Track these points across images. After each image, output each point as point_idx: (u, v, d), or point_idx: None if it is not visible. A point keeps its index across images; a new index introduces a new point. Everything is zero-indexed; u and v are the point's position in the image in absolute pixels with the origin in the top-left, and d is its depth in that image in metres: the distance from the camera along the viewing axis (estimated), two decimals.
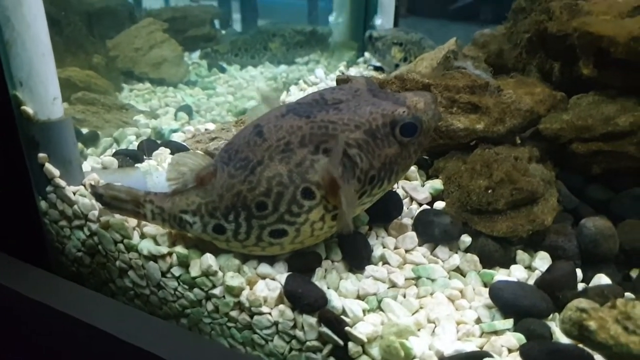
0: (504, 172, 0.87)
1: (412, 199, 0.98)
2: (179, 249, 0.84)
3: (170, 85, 1.82)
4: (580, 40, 0.94)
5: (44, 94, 0.87)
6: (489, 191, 0.87)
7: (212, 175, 0.81)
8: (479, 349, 0.70)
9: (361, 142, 0.77)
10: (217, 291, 0.81)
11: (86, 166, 1.03)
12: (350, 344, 0.72)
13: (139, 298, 0.92)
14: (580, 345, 0.67)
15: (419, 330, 0.74)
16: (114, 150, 1.17)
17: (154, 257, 0.86)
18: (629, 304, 0.60)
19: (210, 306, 0.84)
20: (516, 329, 0.74)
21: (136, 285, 0.91)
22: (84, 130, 1.28)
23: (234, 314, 0.81)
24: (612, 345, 0.58)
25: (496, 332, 0.74)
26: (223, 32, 2.39)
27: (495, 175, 0.87)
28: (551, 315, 0.77)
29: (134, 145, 1.23)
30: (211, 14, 2.32)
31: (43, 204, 0.96)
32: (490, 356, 0.67)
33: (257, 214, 0.78)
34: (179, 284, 0.85)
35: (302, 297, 0.75)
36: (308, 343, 0.76)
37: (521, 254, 0.87)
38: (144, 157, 1.11)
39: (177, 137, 1.26)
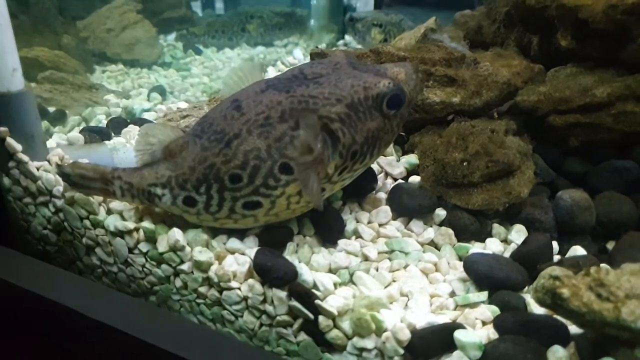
0: (479, 145, 0.86)
1: (387, 174, 0.96)
2: (146, 224, 0.81)
3: (144, 67, 1.79)
4: (558, 11, 0.92)
5: (2, 65, 0.83)
6: (464, 164, 0.85)
7: (183, 148, 0.78)
8: (452, 322, 0.68)
9: (343, 116, 0.74)
10: (185, 267, 0.79)
11: (51, 143, 1.00)
12: (321, 318, 0.70)
13: (106, 276, 0.90)
14: (555, 316, 0.66)
15: (391, 303, 0.73)
16: (81, 128, 1.13)
17: (120, 233, 0.83)
18: (602, 271, 0.59)
19: (178, 282, 0.81)
20: (491, 301, 0.73)
21: (104, 262, 0.88)
22: (51, 110, 1.24)
23: (202, 289, 0.79)
24: (585, 313, 0.57)
25: (470, 305, 0.73)
26: (200, 14, 2.34)
27: (470, 147, 0.86)
28: (526, 288, 0.76)
29: (103, 124, 1.19)
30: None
31: (6, 181, 0.92)
32: (463, 327, 0.65)
33: (230, 186, 0.75)
34: (146, 260, 0.83)
35: (271, 270, 0.73)
36: (278, 318, 0.74)
37: (497, 228, 0.86)
38: (113, 134, 1.07)
39: (148, 116, 1.23)
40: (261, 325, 0.76)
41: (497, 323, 0.67)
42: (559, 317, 0.66)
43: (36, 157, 0.90)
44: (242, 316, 0.77)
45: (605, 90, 0.87)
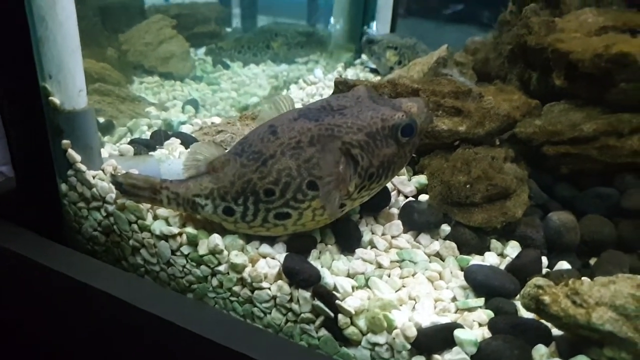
0: (481, 170, 0.98)
1: (399, 192, 1.08)
2: (189, 229, 0.94)
3: (177, 79, 1.91)
4: (553, 54, 1.04)
5: (72, 86, 0.96)
6: (467, 186, 0.97)
7: (224, 164, 0.91)
8: (452, 322, 0.80)
9: (363, 143, 0.87)
10: (222, 268, 0.91)
11: (104, 153, 1.12)
12: (340, 316, 0.82)
13: (149, 274, 1.02)
14: (539, 320, 0.78)
15: (401, 305, 0.85)
16: (129, 139, 1.26)
17: (165, 237, 0.95)
18: (577, 282, 0.71)
19: (215, 282, 0.93)
20: (487, 306, 0.84)
21: (147, 262, 1.00)
22: (101, 120, 1.37)
23: (236, 289, 0.91)
24: (562, 317, 0.69)
25: (469, 309, 0.85)
26: (229, 29, 2.47)
27: (473, 172, 0.98)
28: (518, 296, 0.87)
29: (146, 135, 1.32)
30: (216, 12, 2.40)
31: (63, 187, 1.05)
32: (462, 327, 0.77)
33: (264, 199, 0.88)
34: (187, 261, 0.95)
35: (298, 273, 0.85)
36: (302, 315, 0.86)
37: (495, 243, 0.98)
38: (157, 146, 1.20)
39: (185, 129, 1.36)
40: (287, 321, 0.88)
41: (491, 324, 0.79)
42: (542, 321, 0.78)
43: (92, 166, 1.02)
44: (270, 313, 0.89)
45: (591, 126, 0.99)
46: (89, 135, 1.01)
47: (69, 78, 0.95)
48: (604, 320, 0.67)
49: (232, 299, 0.93)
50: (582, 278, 0.86)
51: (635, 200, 0.96)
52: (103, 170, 1.03)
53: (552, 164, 1.05)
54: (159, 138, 1.21)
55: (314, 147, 0.87)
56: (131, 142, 1.20)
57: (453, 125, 1.09)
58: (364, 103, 0.92)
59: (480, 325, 0.81)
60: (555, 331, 0.77)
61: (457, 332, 0.75)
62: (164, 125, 1.44)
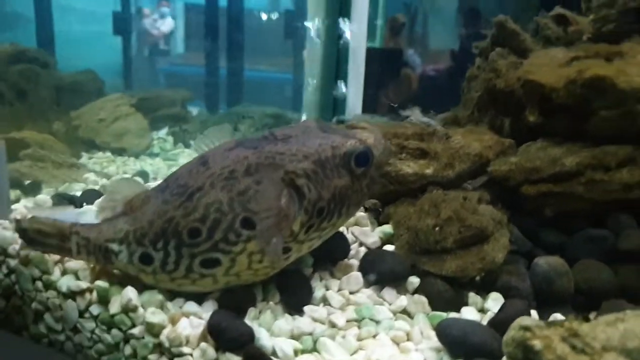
0: (452, 210, 0.84)
1: (361, 244, 0.93)
2: (100, 282, 0.77)
3: (132, 155, 1.85)
4: (524, 88, 0.96)
5: None
6: (437, 229, 0.83)
7: (144, 202, 0.76)
8: None
9: (309, 172, 0.74)
10: (136, 331, 0.73)
11: (18, 206, 0.98)
12: None
13: (52, 346, 0.83)
14: None
15: None
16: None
17: (72, 295, 0.78)
18: (575, 322, 0.54)
19: (128, 350, 0.74)
20: None
21: (51, 330, 0.82)
22: (27, 182, 1.24)
23: (152, 358, 0.72)
24: None
25: None
26: (194, 112, 2.45)
27: (443, 213, 0.84)
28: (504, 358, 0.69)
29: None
30: (182, 96, 2.41)
31: None
32: None
33: (188, 242, 0.73)
34: (96, 324, 0.77)
35: (226, 331, 0.67)
36: None
37: (473, 297, 0.81)
38: (85, 203, 1.06)
39: None
40: None
41: None
42: None
43: None
44: None
45: (574, 160, 0.87)
46: None
47: None
48: None
49: None
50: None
51: (635, 241, 0.81)
52: (9, 221, 0.88)
53: (534, 206, 0.91)
54: (90, 197, 1.07)
55: (250, 178, 0.73)
56: (53, 196, 1.05)
57: (419, 169, 0.97)
58: (313, 133, 0.81)
59: None
60: None
61: None
62: (102, 190, 1.31)
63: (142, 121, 2.00)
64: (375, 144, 0.81)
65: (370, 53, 2.04)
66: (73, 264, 0.81)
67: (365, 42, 1.79)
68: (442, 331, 0.70)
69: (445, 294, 0.79)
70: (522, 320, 0.55)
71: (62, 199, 1.02)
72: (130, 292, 0.74)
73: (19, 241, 0.83)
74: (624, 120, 0.84)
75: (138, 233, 0.75)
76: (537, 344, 0.53)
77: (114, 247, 0.76)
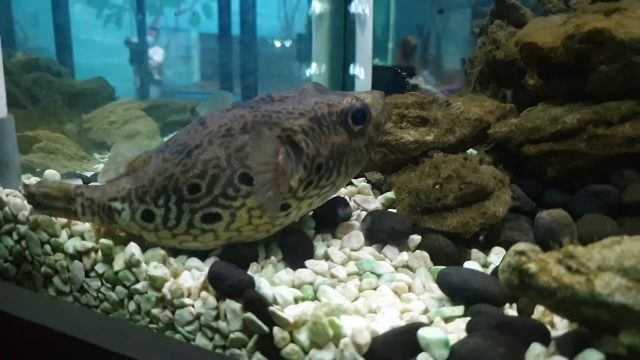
0: (452, 170, 0.84)
1: (363, 211, 0.93)
2: (105, 240, 0.78)
3: None
4: (522, 51, 0.96)
5: None
6: (437, 187, 0.83)
7: (145, 163, 0.78)
8: (414, 322, 0.61)
9: (306, 129, 0.75)
10: (139, 286, 0.74)
11: (25, 179, 1.00)
12: (276, 330, 0.63)
13: None
14: (535, 319, 0.59)
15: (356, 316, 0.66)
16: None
17: (79, 255, 0.80)
18: (571, 245, 0.54)
19: (132, 306, 0.75)
20: (467, 314, 0.66)
21: (60, 292, 0.83)
22: (38, 170, 1.28)
23: (155, 311, 0.73)
24: (555, 289, 0.51)
25: (445, 319, 0.66)
26: None
27: (443, 172, 0.84)
28: (507, 305, 0.69)
29: None
30: (192, 104, 2.46)
31: None
32: (426, 325, 0.58)
33: (188, 197, 0.74)
34: (102, 283, 0.78)
35: (225, 278, 0.67)
36: (232, 335, 0.67)
37: (476, 253, 0.81)
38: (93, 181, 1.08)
39: None
40: (214, 347, 0.69)
41: (470, 327, 0.60)
42: (537, 319, 0.59)
43: (8, 184, 0.90)
44: (194, 340, 0.70)
45: (574, 117, 0.87)
46: (6, 149, 0.90)
47: None
48: (612, 288, 0.49)
49: (152, 325, 0.74)
50: None
51: (639, 194, 0.80)
52: (20, 191, 0.90)
53: (537, 166, 0.91)
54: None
55: (247, 135, 0.74)
56: (63, 174, 1.07)
57: (420, 136, 0.98)
58: (310, 93, 0.82)
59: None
60: (555, 333, 0.58)
61: (422, 332, 0.56)
62: None
63: (152, 124, 2.04)
64: (374, 103, 0.81)
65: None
66: (79, 226, 0.83)
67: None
68: (443, 279, 0.69)
69: (447, 249, 0.79)
70: (518, 246, 0.54)
71: (71, 175, 1.04)
72: (133, 247, 0.75)
73: (28, 207, 0.85)
74: (624, 73, 0.84)
75: (139, 191, 0.76)
76: (532, 267, 0.52)
77: (117, 205, 0.77)
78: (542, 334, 0.57)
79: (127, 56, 3.96)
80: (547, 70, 0.94)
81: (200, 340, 0.70)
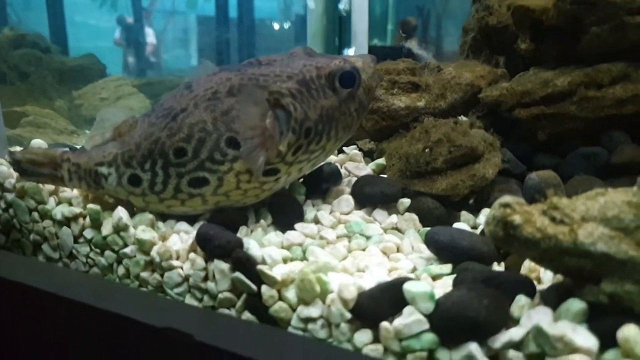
0: (442, 133, 0.84)
1: (354, 177, 0.93)
2: (92, 205, 0.78)
3: None
4: (515, 15, 0.95)
5: None
6: (427, 150, 0.82)
7: (132, 128, 0.77)
8: (400, 277, 0.61)
9: (294, 92, 0.74)
10: (128, 250, 0.74)
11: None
12: (264, 289, 0.63)
13: None
14: (523, 275, 0.59)
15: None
16: None
17: (67, 221, 0.79)
18: (555, 197, 0.54)
19: (121, 270, 0.75)
20: (454, 272, 0.66)
21: (49, 259, 0.83)
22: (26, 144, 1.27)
23: (145, 275, 0.73)
24: (539, 240, 0.51)
25: (433, 277, 0.66)
26: None
27: (433, 136, 0.84)
28: (495, 264, 0.69)
29: None
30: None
31: None
32: (412, 279, 0.58)
33: (175, 161, 0.73)
34: (91, 248, 0.78)
35: (213, 239, 0.68)
36: (220, 296, 0.67)
37: (466, 215, 0.81)
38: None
39: None
40: (204, 308, 0.69)
41: (456, 282, 0.60)
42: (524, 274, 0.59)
43: None
44: (183, 301, 0.71)
45: (565, 80, 0.86)
46: None
47: None
48: (594, 237, 0.49)
49: (142, 289, 0.74)
50: None
51: (628, 154, 0.80)
52: (4, 159, 0.90)
53: (527, 130, 0.90)
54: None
55: (233, 98, 0.73)
56: (50, 144, 1.07)
57: (411, 102, 0.97)
58: (298, 56, 0.81)
59: None
60: (540, 287, 0.58)
61: (408, 286, 0.56)
62: None
63: (145, 100, 2.02)
64: (364, 67, 0.80)
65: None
66: (67, 193, 0.83)
67: None
68: (431, 238, 0.70)
69: (436, 211, 0.79)
70: (503, 199, 0.54)
71: (59, 146, 1.04)
72: (121, 211, 0.75)
73: (15, 175, 0.85)
74: (615, 34, 0.83)
75: (126, 155, 0.76)
76: (516, 218, 0.52)
77: (103, 170, 0.77)
78: (527, 288, 0.57)
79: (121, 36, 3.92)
80: (539, 34, 0.93)
81: (190, 302, 0.70)
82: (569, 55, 0.91)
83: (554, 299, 0.54)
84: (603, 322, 0.48)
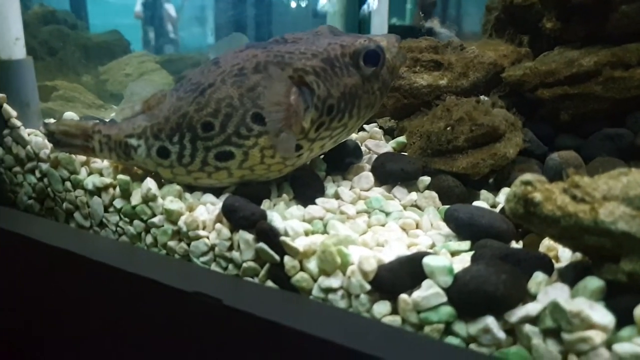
0: (464, 112, 0.84)
1: (374, 154, 0.94)
2: (122, 176, 0.81)
3: None
4: None
5: (6, 33, 0.89)
6: (448, 129, 0.83)
7: (160, 101, 0.80)
8: (420, 251, 0.63)
9: (318, 70, 0.75)
10: (156, 219, 0.77)
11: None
12: (287, 259, 0.66)
13: None
14: (541, 252, 0.61)
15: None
16: None
17: (98, 191, 0.82)
18: (577, 176, 0.54)
19: (149, 239, 0.78)
20: (473, 249, 0.67)
21: (81, 227, 0.87)
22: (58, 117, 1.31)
23: (172, 244, 0.76)
24: (559, 217, 0.52)
25: (452, 253, 0.67)
26: None
27: (454, 115, 0.84)
28: (513, 242, 0.70)
29: None
30: (206, 58, 2.45)
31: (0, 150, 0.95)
32: (431, 254, 0.60)
33: (202, 135, 0.75)
34: (120, 217, 0.81)
35: (238, 210, 0.70)
36: (245, 265, 0.69)
37: (485, 194, 0.82)
38: None
39: None
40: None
41: (475, 258, 0.61)
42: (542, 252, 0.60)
43: (29, 124, 0.93)
44: (209, 269, 0.73)
45: (591, 59, 0.85)
46: (27, 89, 0.92)
47: (4, 24, 0.88)
48: (615, 216, 0.50)
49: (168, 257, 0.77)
50: None
51: None
52: (40, 130, 0.93)
53: (550, 110, 0.90)
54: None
55: (259, 74, 0.75)
56: (82, 117, 1.10)
57: (433, 80, 0.97)
58: (324, 35, 0.82)
59: None
60: (558, 265, 0.59)
61: (427, 260, 0.58)
62: None
63: (167, 76, 2.04)
64: (389, 46, 0.81)
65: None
66: (98, 164, 0.86)
67: None
68: (450, 215, 0.71)
69: (456, 189, 0.80)
70: (524, 177, 0.55)
71: (89, 118, 1.06)
72: (149, 182, 0.77)
73: (49, 146, 0.88)
74: None
75: (155, 128, 0.78)
76: (537, 196, 0.53)
77: (133, 142, 0.79)
78: (545, 265, 0.58)
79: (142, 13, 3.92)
80: (565, 13, 0.92)
81: (215, 270, 0.73)
82: (596, 34, 0.89)
83: (571, 276, 0.55)
84: (620, 300, 0.49)
